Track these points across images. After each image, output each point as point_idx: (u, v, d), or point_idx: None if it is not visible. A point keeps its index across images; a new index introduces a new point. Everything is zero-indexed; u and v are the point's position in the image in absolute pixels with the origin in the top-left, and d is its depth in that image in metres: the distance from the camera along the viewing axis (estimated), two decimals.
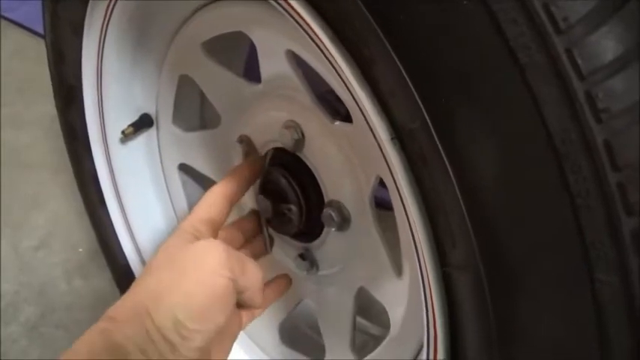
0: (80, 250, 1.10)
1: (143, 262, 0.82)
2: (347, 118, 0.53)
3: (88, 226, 0.89)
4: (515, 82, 0.27)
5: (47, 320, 0.98)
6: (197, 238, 0.51)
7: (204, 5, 0.62)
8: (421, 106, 0.31)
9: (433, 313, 0.36)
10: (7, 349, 0.93)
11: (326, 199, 0.58)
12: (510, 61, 0.27)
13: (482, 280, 0.32)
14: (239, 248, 0.60)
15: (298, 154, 0.59)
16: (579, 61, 0.26)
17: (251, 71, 0.64)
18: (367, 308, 0.70)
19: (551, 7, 0.25)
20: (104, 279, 1.02)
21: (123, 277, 0.84)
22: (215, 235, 0.54)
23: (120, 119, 0.75)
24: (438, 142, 0.31)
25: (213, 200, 0.56)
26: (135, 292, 0.44)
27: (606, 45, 0.26)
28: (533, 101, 0.27)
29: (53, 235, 1.13)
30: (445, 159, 0.31)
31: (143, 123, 0.76)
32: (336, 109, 0.56)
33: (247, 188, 0.60)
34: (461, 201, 0.31)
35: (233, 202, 0.57)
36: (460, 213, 0.31)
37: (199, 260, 0.46)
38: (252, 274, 0.50)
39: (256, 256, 0.61)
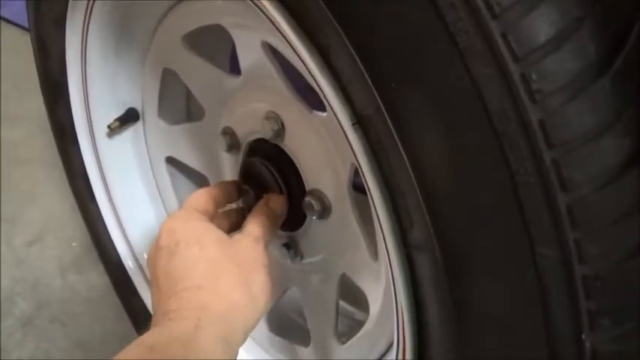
0: (74, 244, 1.11)
1: (134, 254, 0.83)
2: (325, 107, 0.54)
3: (82, 220, 0.90)
4: (455, 66, 0.28)
5: (42, 314, 0.99)
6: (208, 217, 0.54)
7: None
8: (375, 92, 0.32)
9: (401, 298, 0.37)
10: (3, 342, 0.94)
11: (307, 188, 0.59)
12: (451, 44, 0.28)
13: (437, 258, 0.33)
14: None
15: (279, 144, 0.60)
16: (514, 45, 0.27)
17: (236, 64, 0.65)
18: (354, 294, 0.71)
19: None
20: (98, 273, 1.03)
21: (115, 269, 0.86)
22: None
23: (106, 113, 0.76)
24: (391, 127, 0.32)
25: (202, 192, 0.58)
26: (187, 290, 0.44)
27: (539, 28, 0.27)
28: (473, 83, 0.28)
29: (47, 230, 1.14)
30: (399, 142, 0.32)
31: (129, 117, 0.77)
32: (316, 98, 0.57)
33: (227, 199, 0.61)
34: (414, 182, 0.32)
35: (217, 201, 0.59)
36: (415, 194, 0.32)
37: (251, 264, 0.48)
38: None
39: (233, 227, 0.62)
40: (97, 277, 1.05)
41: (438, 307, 0.35)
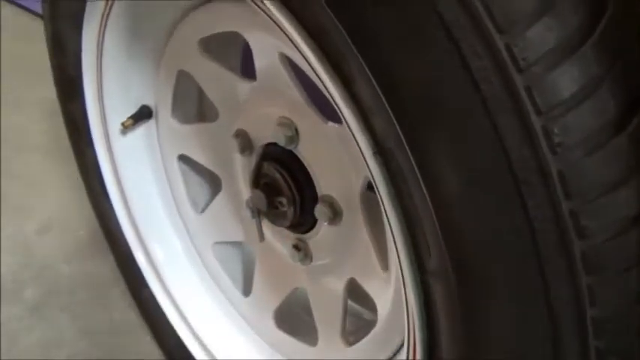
0: (81, 232, 1.12)
1: (146, 249, 0.85)
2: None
3: (88, 208, 0.90)
4: (477, 111, 0.29)
5: (50, 302, 1.00)
6: None
7: (201, 4, 0.63)
8: (397, 126, 0.33)
9: (413, 315, 0.39)
10: (12, 328, 0.96)
11: (319, 194, 0.60)
12: (473, 91, 0.29)
13: (453, 287, 0.34)
14: None
15: (293, 150, 0.61)
16: (537, 98, 0.28)
17: (248, 66, 0.66)
18: (362, 294, 0.72)
19: (512, 47, 0.27)
20: (105, 261, 1.04)
21: (125, 263, 0.87)
22: None
23: (120, 111, 0.76)
24: (412, 161, 0.33)
25: None
26: None
27: (562, 84, 0.28)
28: (495, 129, 0.29)
29: (54, 218, 1.15)
30: (419, 176, 0.33)
31: (142, 115, 0.78)
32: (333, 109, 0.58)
33: None
34: (434, 215, 0.33)
35: None
36: (433, 226, 0.33)
37: None
38: None
39: None
40: (103, 265, 1.05)
41: (449, 332, 0.37)
